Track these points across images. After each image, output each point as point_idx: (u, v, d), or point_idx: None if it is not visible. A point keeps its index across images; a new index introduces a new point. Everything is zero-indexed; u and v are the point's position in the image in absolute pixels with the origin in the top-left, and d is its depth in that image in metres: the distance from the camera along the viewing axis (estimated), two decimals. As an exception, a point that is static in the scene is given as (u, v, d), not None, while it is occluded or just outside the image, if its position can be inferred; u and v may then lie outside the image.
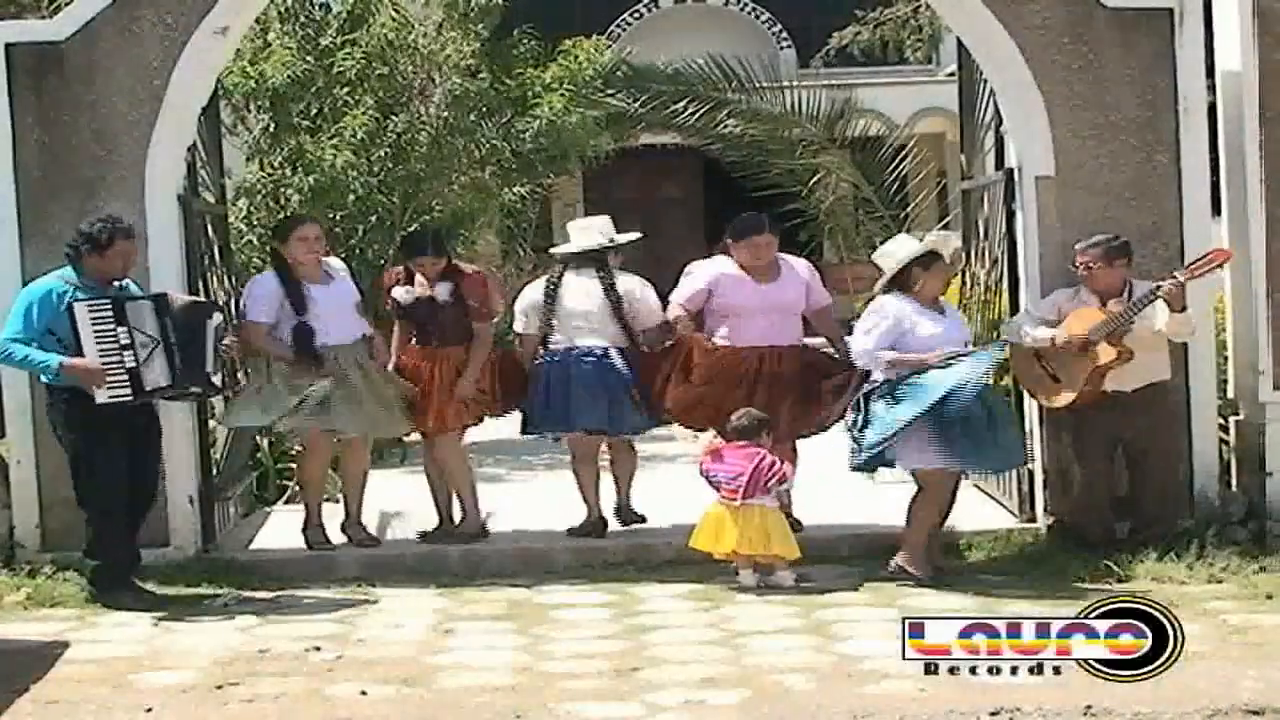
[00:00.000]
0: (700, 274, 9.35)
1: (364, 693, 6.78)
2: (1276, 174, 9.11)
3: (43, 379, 8.32)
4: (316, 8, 14.14)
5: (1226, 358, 9.60)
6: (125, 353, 8.07)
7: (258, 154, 13.61)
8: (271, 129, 13.58)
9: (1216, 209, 9.40)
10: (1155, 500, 8.90)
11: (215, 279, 9.94)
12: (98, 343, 8.02)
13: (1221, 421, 9.38)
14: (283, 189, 13.22)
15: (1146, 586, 8.18)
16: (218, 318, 8.58)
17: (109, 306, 8.09)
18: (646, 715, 6.44)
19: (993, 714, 6.22)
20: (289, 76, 13.21)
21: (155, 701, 6.71)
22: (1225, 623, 7.56)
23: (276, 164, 13.44)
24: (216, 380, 8.55)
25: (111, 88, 9.08)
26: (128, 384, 8.09)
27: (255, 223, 13.23)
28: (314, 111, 13.54)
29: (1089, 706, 6.23)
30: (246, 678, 7.03)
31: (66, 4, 9.62)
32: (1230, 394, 9.55)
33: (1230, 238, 9.27)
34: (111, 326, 8.06)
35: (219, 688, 6.90)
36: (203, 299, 8.76)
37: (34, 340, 8.09)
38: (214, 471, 9.55)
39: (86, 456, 8.26)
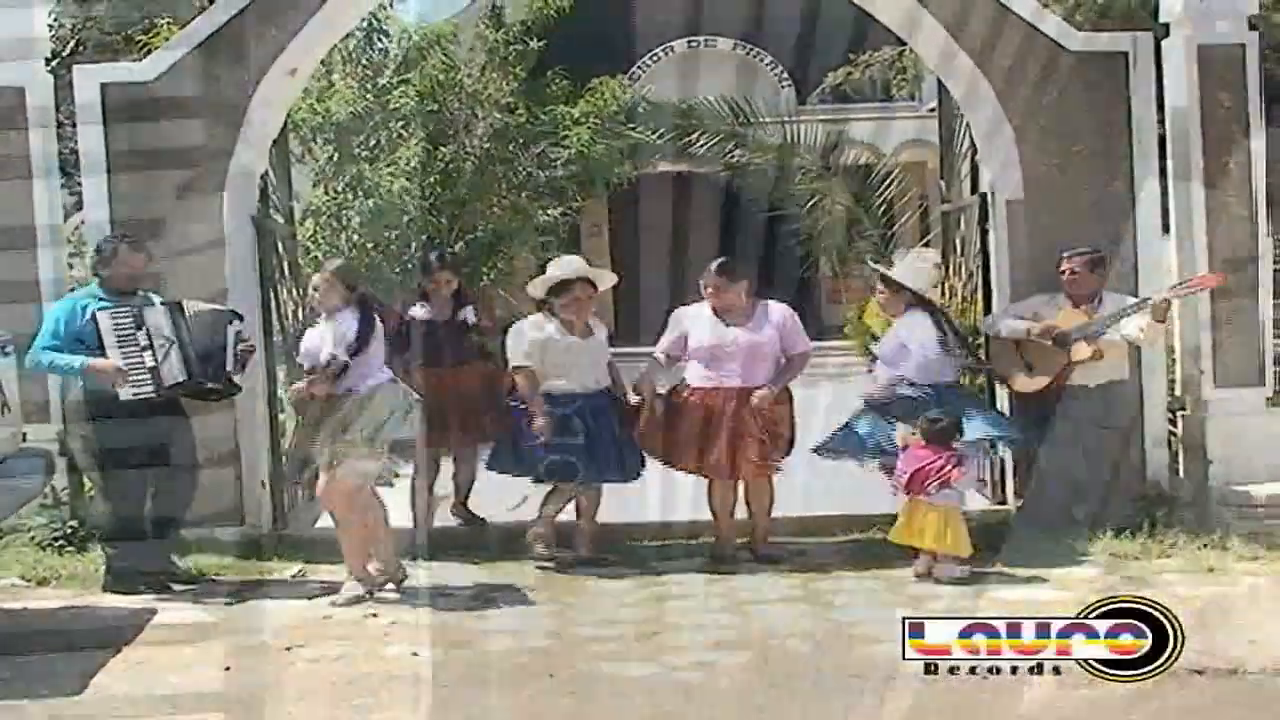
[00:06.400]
0: (675, 321, 8.68)
1: (415, 654, 6.78)
2: (1216, 197, 9.10)
3: (80, 383, 8.07)
4: (375, 52, 14.18)
5: (1174, 360, 9.57)
6: (145, 353, 7.95)
7: (323, 180, 13.65)
8: (335, 158, 13.62)
9: (1166, 228, 9.37)
10: (1112, 485, 8.87)
11: (285, 291, 9.94)
12: (120, 346, 7.93)
13: (1170, 415, 9.35)
14: (345, 211, 13.25)
15: (1105, 560, 8.18)
16: (238, 324, 8.37)
17: (129, 313, 8.02)
18: (664, 673, 6.43)
19: (971, 671, 6.16)
20: (351, 112, 13.25)
21: (232, 661, 6.72)
22: (1175, 594, 7.50)
23: (339, 189, 13.47)
24: (238, 379, 8.39)
25: (193, 122, 9.07)
26: (149, 381, 7.96)
27: (320, 241, 13.26)
28: (372, 143, 13.58)
29: (1056, 668, 6.16)
30: (312, 640, 7.04)
31: (156, 49, 9.61)
32: (1178, 391, 9.52)
33: (1177, 254, 9.24)
34: (132, 331, 7.96)
35: (288, 649, 6.91)
36: (224, 307, 8.47)
37: (61, 348, 7.96)
38: (283, 459, 9.54)
39: (115, 453, 7.97)
